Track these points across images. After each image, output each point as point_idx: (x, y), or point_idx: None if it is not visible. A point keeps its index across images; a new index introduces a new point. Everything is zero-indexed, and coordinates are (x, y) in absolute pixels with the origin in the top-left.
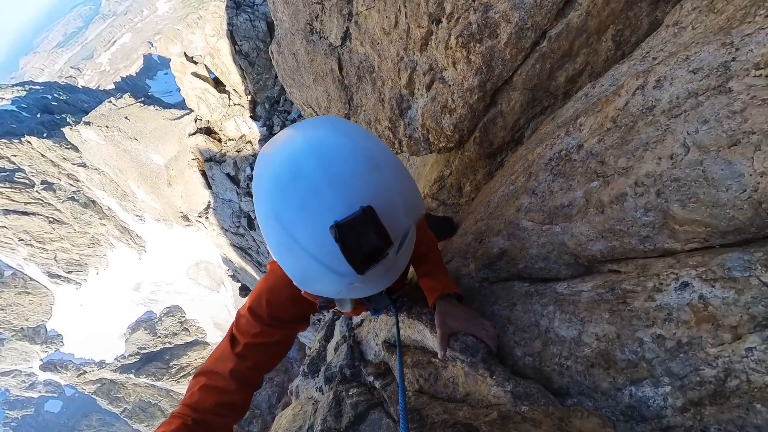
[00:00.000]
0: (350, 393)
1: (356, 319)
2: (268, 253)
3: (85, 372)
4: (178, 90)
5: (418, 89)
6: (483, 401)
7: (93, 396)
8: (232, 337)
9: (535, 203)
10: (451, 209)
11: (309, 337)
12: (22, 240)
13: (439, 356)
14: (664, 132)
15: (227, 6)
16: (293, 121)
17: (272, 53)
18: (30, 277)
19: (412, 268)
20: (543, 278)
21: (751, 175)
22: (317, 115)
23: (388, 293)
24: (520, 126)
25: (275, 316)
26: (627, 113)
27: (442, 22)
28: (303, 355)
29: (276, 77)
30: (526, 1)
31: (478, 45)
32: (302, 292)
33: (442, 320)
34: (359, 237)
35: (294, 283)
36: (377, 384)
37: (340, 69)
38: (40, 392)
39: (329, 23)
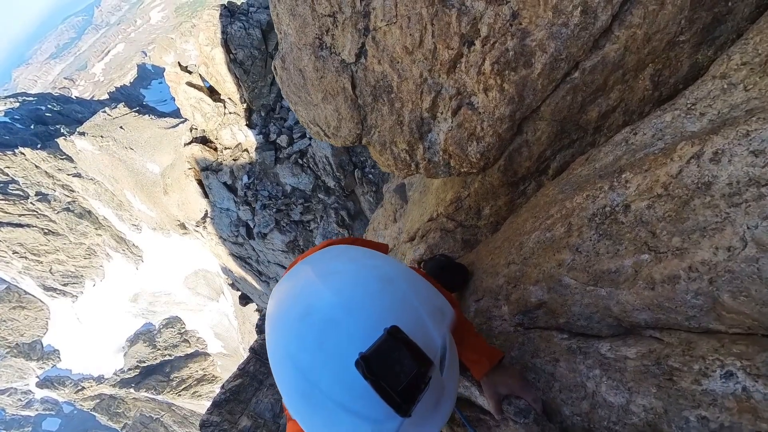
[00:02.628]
0: None
1: None
2: (269, 262)
3: (84, 388)
4: (173, 99)
5: (442, 113)
6: None
7: (92, 412)
8: None
9: (579, 262)
10: (470, 232)
11: None
12: (17, 253)
13: (498, 417)
14: (724, 221)
15: (221, 14)
16: (290, 129)
17: (275, 69)
18: (25, 291)
19: None
20: (583, 333)
21: None
22: (325, 134)
23: None
24: (546, 157)
25: None
26: (681, 183)
27: (475, 44)
28: None
29: (272, 84)
30: (563, 31)
31: (513, 74)
32: None
33: (494, 390)
34: (392, 366)
35: None
36: None
37: (353, 87)
38: (37, 410)
39: (342, 38)
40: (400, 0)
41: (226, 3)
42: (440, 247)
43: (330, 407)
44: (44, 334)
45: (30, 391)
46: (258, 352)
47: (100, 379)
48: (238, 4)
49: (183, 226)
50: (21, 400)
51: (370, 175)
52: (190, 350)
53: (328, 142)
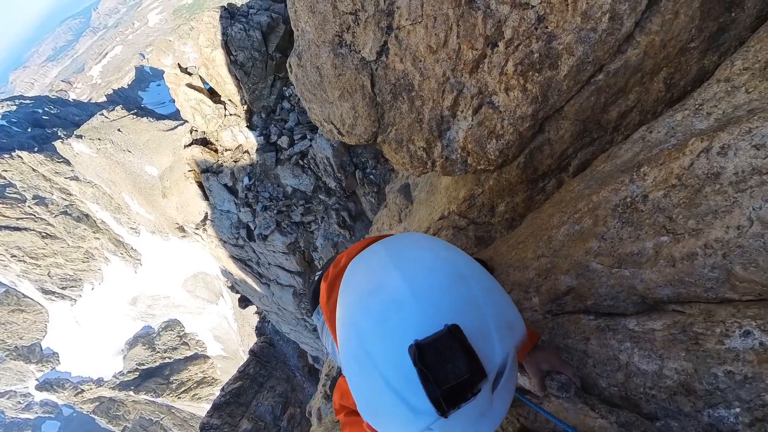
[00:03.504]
0: None
1: None
2: (269, 264)
3: (83, 390)
4: (171, 101)
5: (462, 112)
6: None
7: (92, 415)
8: None
9: (605, 248)
10: (483, 229)
11: (309, 344)
12: (15, 256)
13: (540, 395)
14: (732, 204)
15: (221, 16)
16: (290, 130)
17: (290, 66)
18: (23, 294)
19: None
20: (609, 313)
21: None
22: (339, 132)
23: None
24: (567, 155)
25: None
26: (692, 174)
27: (498, 46)
28: (304, 363)
29: (272, 86)
30: (591, 36)
31: (537, 75)
32: (364, 425)
33: (536, 367)
34: (444, 363)
35: (359, 410)
36: None
37: (372, 85)
38: (36, 413)
39: (363, 36)
40: (426, 0)
41: (226, 5)
42: (453, 244)
43: (377, 378)
44: (43, 337)
45: (29, 393)
46: (258, 355)
47: (99, 382)
48: (238, 6)
49: (182, 229)
50: (20, 403)
51: (372, 176)
52: (189, 353)
53: (342, 140)
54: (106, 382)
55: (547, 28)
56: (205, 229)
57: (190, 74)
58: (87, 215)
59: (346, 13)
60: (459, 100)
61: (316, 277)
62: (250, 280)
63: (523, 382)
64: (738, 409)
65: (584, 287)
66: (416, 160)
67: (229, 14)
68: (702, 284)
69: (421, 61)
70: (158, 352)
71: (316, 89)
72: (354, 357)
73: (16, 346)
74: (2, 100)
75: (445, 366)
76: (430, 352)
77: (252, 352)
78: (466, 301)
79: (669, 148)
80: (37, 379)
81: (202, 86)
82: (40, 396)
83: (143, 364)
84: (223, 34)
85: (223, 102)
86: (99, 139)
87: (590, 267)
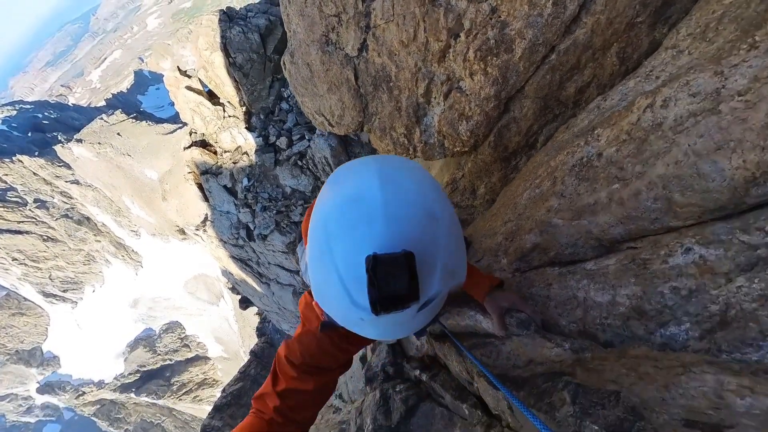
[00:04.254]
0: (397, 389)
1: None
2: (269, 264)
3: (84, 393)
4: (171, 104)
5: (435, 98)
6: (546, 363)
7: (93, 418)
8: (274, 374)
9: (564, 204)
10: (466, 212)
11: None
12: (16, 259)
13: (501, 334)
14: (671, 145)
15: (220, 19)
16: (289, 131)
17: (284, 63)
18: (24, 298)
19: None
20: (572, 261)
21: (728, 169)
22: (329, 123)
23: None
24: (534, 132)
25: (308, 363)
26: (639, 127)
27: (460, 36)
28: None
29: (270, 87)
30: (538, 20)
31: (495, 58)
32: (313, 303)
33: (496, 305)
34: (389, 277)
35: (312, 290)
36: (424, 377)
37: (356, 78)
38: (37, 416)
39: (346, 35)
40: (396, 1)
41: (224, 8)
42: None
43: (333, 271)
44: (44, 340)
45: (30, 397)
46: (259, 355)
47: (100, 384)
48: (237, 9)
49: (182, 231)
50: (21, 406)
51: None
52: (190, 354)
53: (332, 131)
54: (107, 384)
55: (500, 17)
56: (205, 230)
57: (189, 77)
58: (88, 218)
59: (331, 15)
60: (431, 87)
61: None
62: (250, 280)
63: (486, 324)
64: (687, 324)
65: (547, 241)
66: (399, 147)
67: (227, 17)
68: (648, 216)
69: (396, 54)
70: (159, 354)
71: (307, 84)
72: (319, 248)
73: (17, 350)
74: (2, 105)
75: (390, 280)
76: (382, 266)
77: (253, 353)
78: (427, 239)
79: (620, 109)
80: (38, 382)
81: (201, 89)
82: (41, 399)
83: (144, 366)
84: (222, 36)
85: (222, 104)
86: (99, 143)
87: (552, 223)
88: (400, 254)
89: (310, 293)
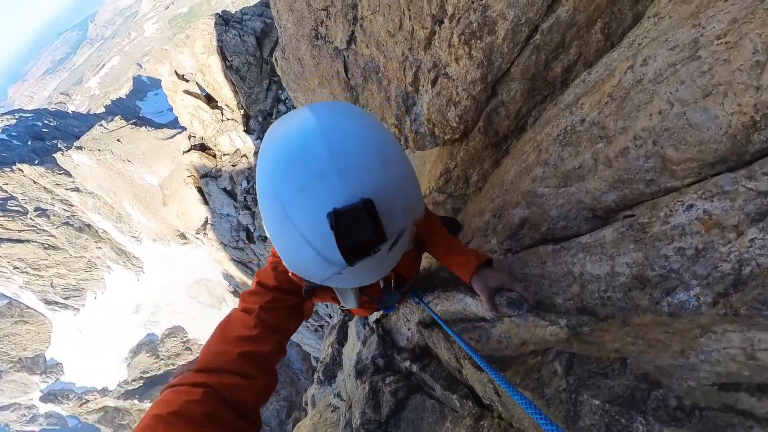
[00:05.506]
0: (387, 381)
1: (372, 316)
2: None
3: (88, 401)
4: (169, 109)
5: (423, 86)
6: (541, 343)
7: (97, 425)
8: (244, 309)
9: (549, 171)
10: (459, 200)
11: (312, 345)
12: (17, 268)
13: (491, 315)
14: (652, 95)
15: (216, 23)
16: None
17: (276, 60)
18: (26, 306)
19: (425, 261)
20: (565, 237)
21: (724, 116)
22: None
23: (397, 288)
24: (523, 114)
25: (285, 282)
26: (620, 88)
27: (444, 22)
28: (308, 366)
29: (267, 90)
30: (519, 0)
31: (478, 41)
32: (290, 274)
33: (483, 284)
34: (355, 228)
35: (283, 261)
36: (414, 368)
37: (346, 71)
38: (41, 425)
39: (335, 28)
40: None
41: (220, 12)
42: None
43: (298, 238)
44: (47, 347)
45: (34, 405)
46: None
47: (104, 392)
48: (233, 12)
49: (183, 235)
50: (25, 416)
51: None
52: (193, 359)
53: None
54: (111, 391)
55: (481, 0)
56: (205, 234)
57: (186, 81)
58: (89, 225)
59: (319, 9)
60: (418, 75)
61: None
62: (250, 282)
63: (476, 307)
64: (698, 288)
65: (536, 215)
66: None
67: (223, 21)
68: (642, 178)
69: (383, 44)
70: (162, 359)
71: (299, 79)
72: (278, 220)
73: (20, 358)
74: (2, 114)
75: (355, 231)
76: (346, 220)
77: None
78: (383, 181)
79: (603, 78)
80: (41, 391)
81: (199, 92)
82: (44, 408)
83: (147, 372)
84: (219, 40)
85: (220, 107)
86: (99, 149)
87: (538, 192)
88: (359, 204)
89: (273, 265)
